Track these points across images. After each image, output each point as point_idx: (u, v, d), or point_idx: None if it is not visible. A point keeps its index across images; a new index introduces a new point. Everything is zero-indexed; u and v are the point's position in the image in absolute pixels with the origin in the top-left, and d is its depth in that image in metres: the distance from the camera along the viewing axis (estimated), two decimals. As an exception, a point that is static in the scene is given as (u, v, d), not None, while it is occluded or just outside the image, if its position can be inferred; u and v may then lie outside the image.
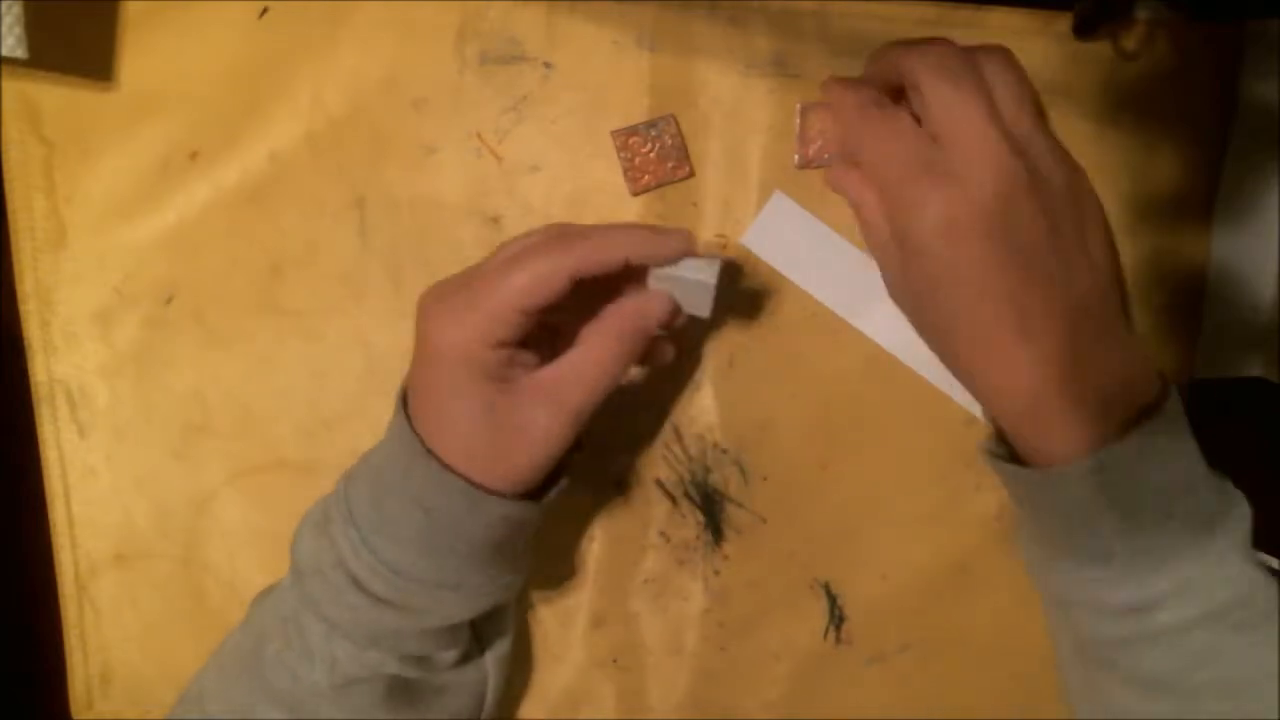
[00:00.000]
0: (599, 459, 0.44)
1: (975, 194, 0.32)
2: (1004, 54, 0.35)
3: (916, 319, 0.36)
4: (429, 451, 0.35)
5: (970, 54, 0.34)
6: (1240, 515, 0.36)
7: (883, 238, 0.35)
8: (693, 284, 0.37)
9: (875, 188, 0.35)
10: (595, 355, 0.36)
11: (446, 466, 0.35)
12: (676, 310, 0.37)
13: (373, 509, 0.36)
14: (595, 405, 0.37)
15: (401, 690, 0.39)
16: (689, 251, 0.36)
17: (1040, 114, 0.35)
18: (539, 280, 0.34)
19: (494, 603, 0.39)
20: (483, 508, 0.36)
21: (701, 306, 0.37)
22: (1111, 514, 0.34)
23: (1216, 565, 0.34)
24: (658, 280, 0.37)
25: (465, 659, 0.40)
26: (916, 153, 0.34)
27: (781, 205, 0.44)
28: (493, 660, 0.42)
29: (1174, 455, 0.35)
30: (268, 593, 0.41)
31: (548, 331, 0.38)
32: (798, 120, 0.43)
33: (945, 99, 0.33)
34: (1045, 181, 0.33)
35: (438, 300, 0.36)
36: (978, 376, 0.35)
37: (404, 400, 0.37)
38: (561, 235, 0.36)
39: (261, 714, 0.38)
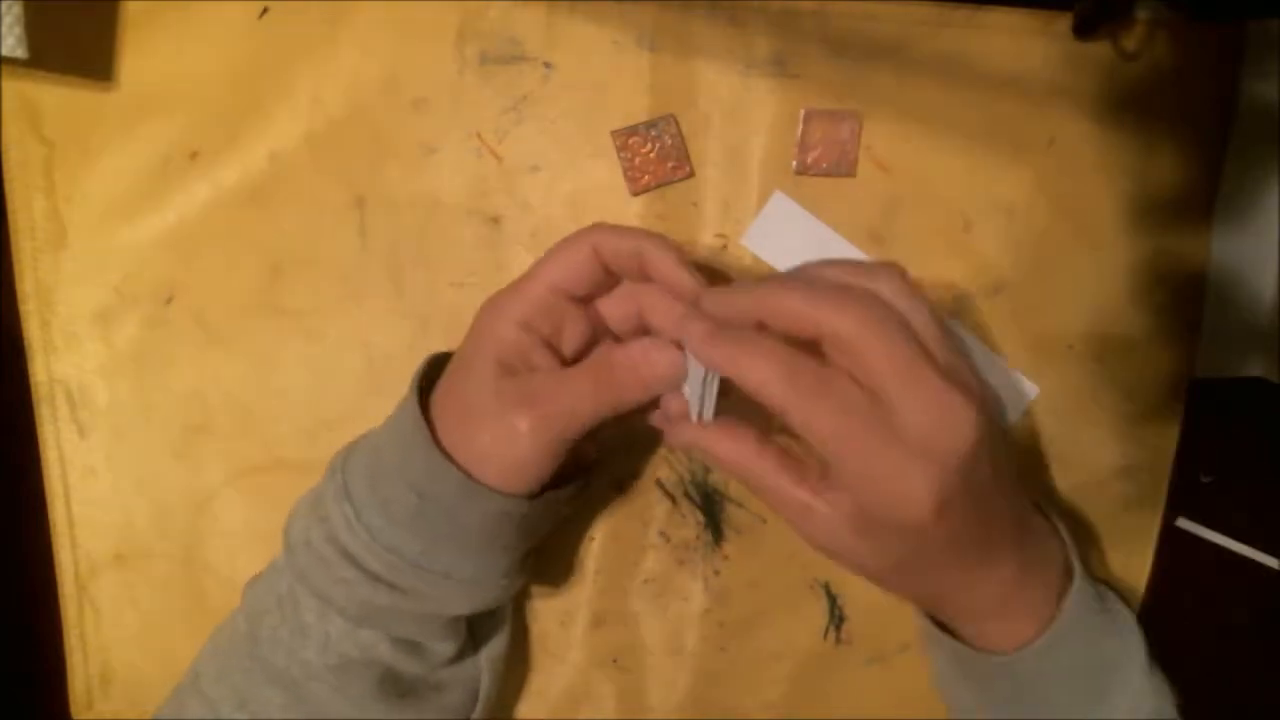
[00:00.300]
0: (599, 459, 0.44)
1: (952, 463, 0.32)
2: (902, 276, 0.34)
3: (869, 567, 0.35)
4: (431, 437, 0.36)
5: (875, 294, 0.33)
6: (1134, 651, 0.40)
7: (828, 519, 0.34)
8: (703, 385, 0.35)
9: (808, 466, 0.34)
10: (589, 382, 0.36)
11: (446, 455, 0.36)
12: (674, 380, 0.36)
13: (368, 487, 0.37)
14: (579, 431, 0.36)
15: (395, 682, 0.39)
16: (694, 292, 0.36)
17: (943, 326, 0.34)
18: (566, 259, 0.36)
19: (488, 602, 0.39)
20: (476, 500, 0.36)
21: (706, 410, 0.36)
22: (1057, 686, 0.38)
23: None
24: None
25: (460, 656, 0.40)
26: (873, 423, 0.32)
27: (782, 205, 0.44)
28: (487, 659, 0.42)
29: (1094, 611, 0.39)
30: (260, 575, 0.41)
31: (570, 348, 0.38)
32: (800, 127, 0.43)
33: (889, 359, 0.32)
34: (988, 413, 0.33)
35: (490, 298, 0.38)
36: (944, 602, 0.39)
37: (419, 383, 0.38)
38: (605, 229, 0.37)
39: (259, 693, 0.38)
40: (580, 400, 0.36)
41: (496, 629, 0.42)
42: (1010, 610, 0.38)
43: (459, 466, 0.36)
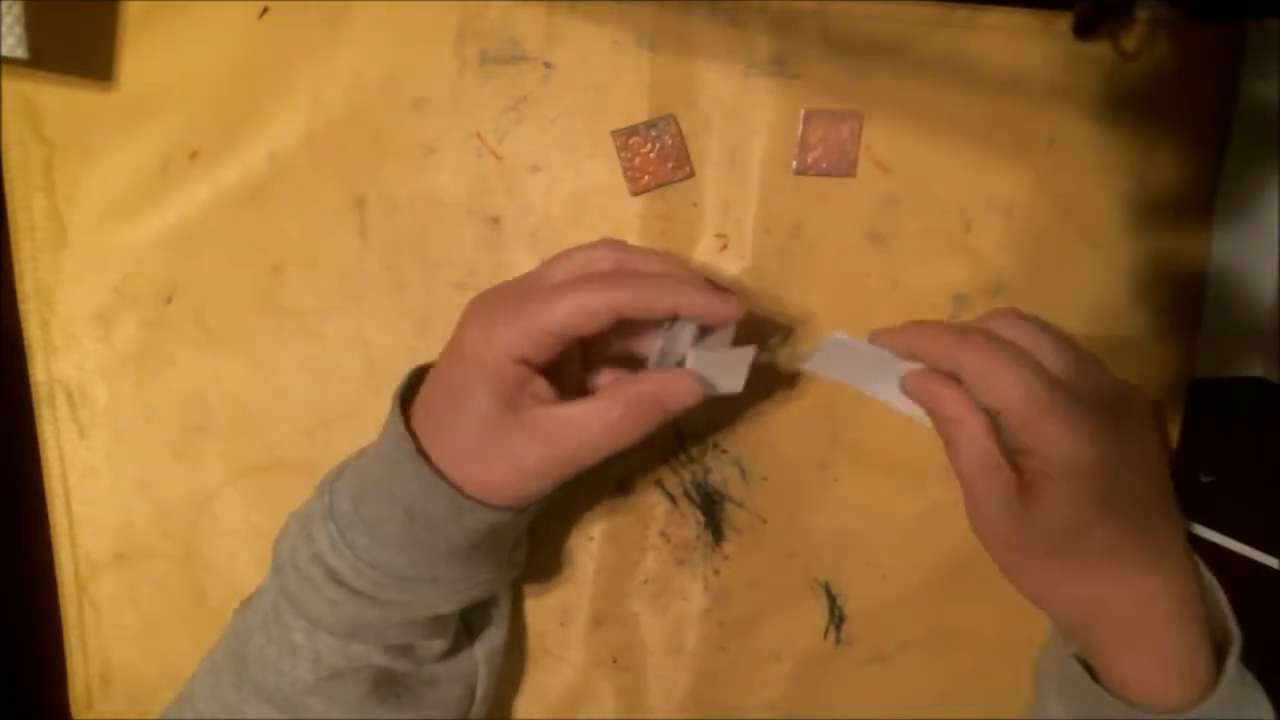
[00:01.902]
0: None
1: (1132, 423, 0.35)
2: (1019, 314, 0.38)
3: (1031, 544, 0.36)
4: (419, 451, 0.35)
5: (996, 332, 0.36)
6: None
7: (993, 461, 0.35)
8: (732, 357, 0.37)
9: (983, 413, 0.36)
10: (606, 418, 0.35)
11: (435, 469, 0.35)
12: (700, 397, 0.36)
13: (352, 506, 0.36)
14: (593, 462, 0.36)
15: (389, 682, 0.39)
16: (738, 318, 0.36)
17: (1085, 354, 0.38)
18: (583, 311, 0.34)
19: (476, 597, 0.39)
20: (464, 515, 0.36)
21: (735, 382, 0.37)
22: None
23: None
24: (697, 354, 0.36)
25: (454, 650, 0.40)
26: (1055, 379, 0.34)
27: (841, 343, 0.39)
28: (483, 652, 0.42)
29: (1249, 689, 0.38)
30: (251, 595, 0.41)
31: (571, 366, 0.38)
32: (800, 127, 0.43)
33: (1059, 344, 0.36)
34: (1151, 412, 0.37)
35: (483, 304, 0.37)
36: (1098, 613, 0.37)
37: (401, 399, 0.37)
38: (617, 271, 0.36)
39: (251, 713, 0.38)
40: (597, 437, 0.35)
41: (491, 621, 0.42)
42: (1172, 650, 0.36)
43: (449, 482, 0.35)
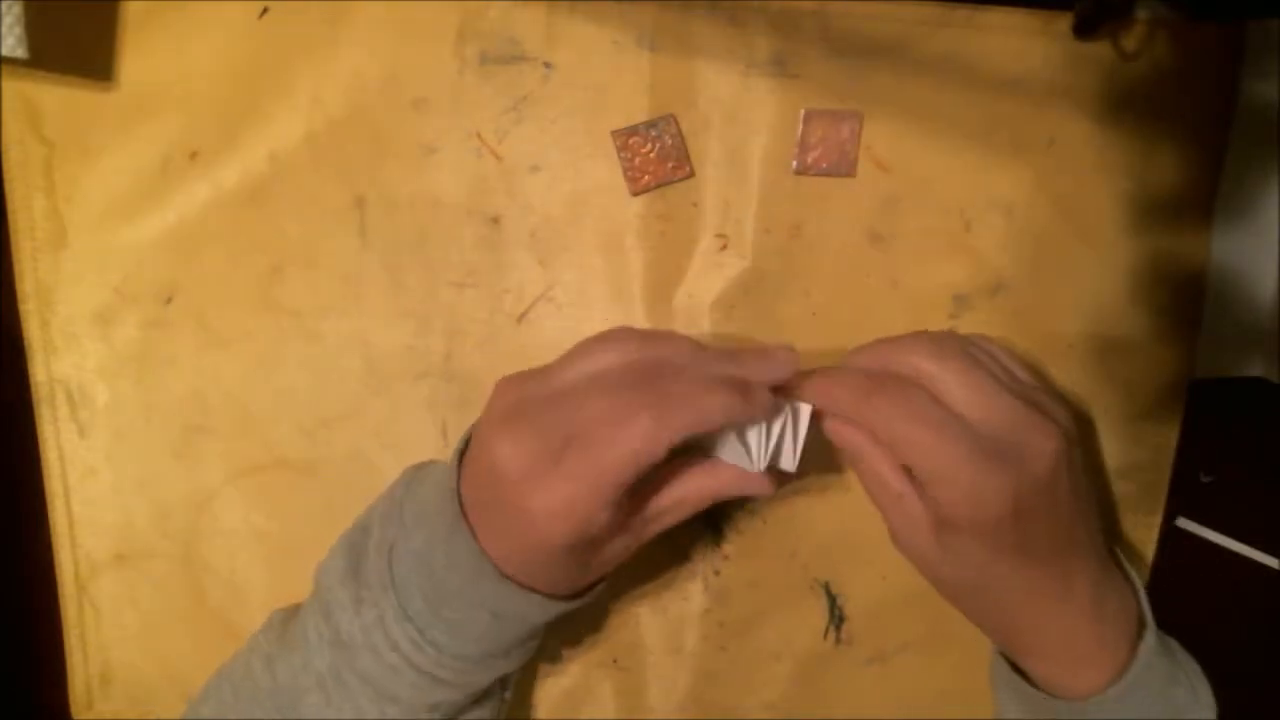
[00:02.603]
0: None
1: (1030, 472, 0.35)
2: (981, 337, 0.40)
3: (946, 575, 0.38)
4: (499, 573, 0.35)
5: (948, 334, 0.39)
6: (1204, 701, 0.40)
7: (893, 491, 0.37)
8: (784, 446, 0.38)
9: (901, 465, 0.37)
10: (673, 513, 0.37)
11: (519, 583, 0.36)
12: (772, 490, 0.38)
13: (431, 609, 0.36)
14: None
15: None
16: (774, 406, 0.36)
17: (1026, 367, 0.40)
18: (640, 456, 0.33)
19: (539, 643, 0.41)
20: (551, 609, 0.37)
21: (787, 461, 0.38)
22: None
23: None
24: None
25: (489, 690, 0.42)
26: (958, 433, 0.34)
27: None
28: (509, 684, 0.43)
29: (1164, 662, 0.39)
30: (285, 626, 0.40)
31: None
32: (800, 127, 0.43)
33: (965, 385, 0.35)
34: (1070, 439, 0.36)
35: (531, 458, 0.34)
36: (1019, 634, 0.39)
37: (458, 497, 0.36)
38: (656, 394, 0.34)
39: None
40: (677, 521, 0.38)
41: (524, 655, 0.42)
42: (1084, 652, 0.38)
43: (522, 585, 0.36)
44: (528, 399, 0.35)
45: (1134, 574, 0.41)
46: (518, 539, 0.35)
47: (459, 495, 0.36)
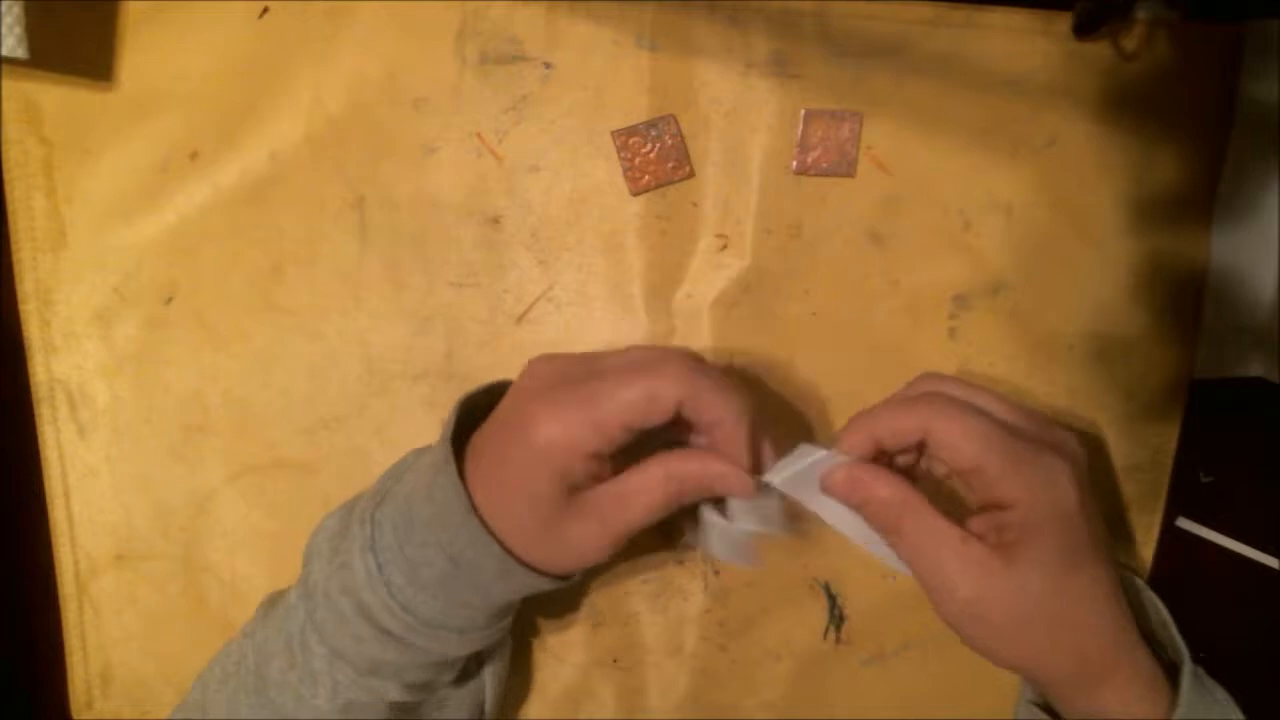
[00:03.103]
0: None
1: (1061, 514, 0.35)
2: (955, 378, 0.39)
3: (1013, 610, 0.36)
4: (472, 508, 0.35)
5: (942, 393, 0.37)
6: None
7: (955, 535, 0.36)
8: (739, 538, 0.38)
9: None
10: (649, 494, 0.36)
11: (488, 529, 0.35)
12: (751, 493, 0.37)
13: (396, 542, 0.36)
14: (637, 531, 0.37)
15: (401, 710, 0.39)
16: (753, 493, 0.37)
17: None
18: (651, 399, 0.34)
19: (492, 640, 0.39)
20: (513, 575, 0.36)
21: (743, 556, 0.38)
22: None
23: None
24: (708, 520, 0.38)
25: (464, 676, 0.41)
26: (1011, 438, 0.35)
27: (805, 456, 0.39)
28: (490, 674, 0.42)
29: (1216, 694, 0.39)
30: (274, 602, 0.41)
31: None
32: (800, 127, 0.43)
33: (973, 441, 0.35)
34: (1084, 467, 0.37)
35: (550, 389, 0.36)
36: (1055, 659, 0.37)
37: (452, 442, 0.36)
38: (688, 365, 0.35)
39: None
40: (649, 512, 0.36)
41: (499, 645, 0.42)
42: (1120, 674, 0.37)
43: (499, 541, 0.35)
44: (567, 364, 0.37)
45: (1160, 602, 0.40)
46: (503, 471, 0.35)
47: (450, 440, 0.37)
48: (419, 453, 0.40)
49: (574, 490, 0.36)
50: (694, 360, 0.37)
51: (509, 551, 0.36)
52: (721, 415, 0.35)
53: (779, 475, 0.37)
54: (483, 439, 0.37)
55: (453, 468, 0.36)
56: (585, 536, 0.36)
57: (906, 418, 0.36)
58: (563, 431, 0.34)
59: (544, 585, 0.38)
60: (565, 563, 0.37)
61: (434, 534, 0.36)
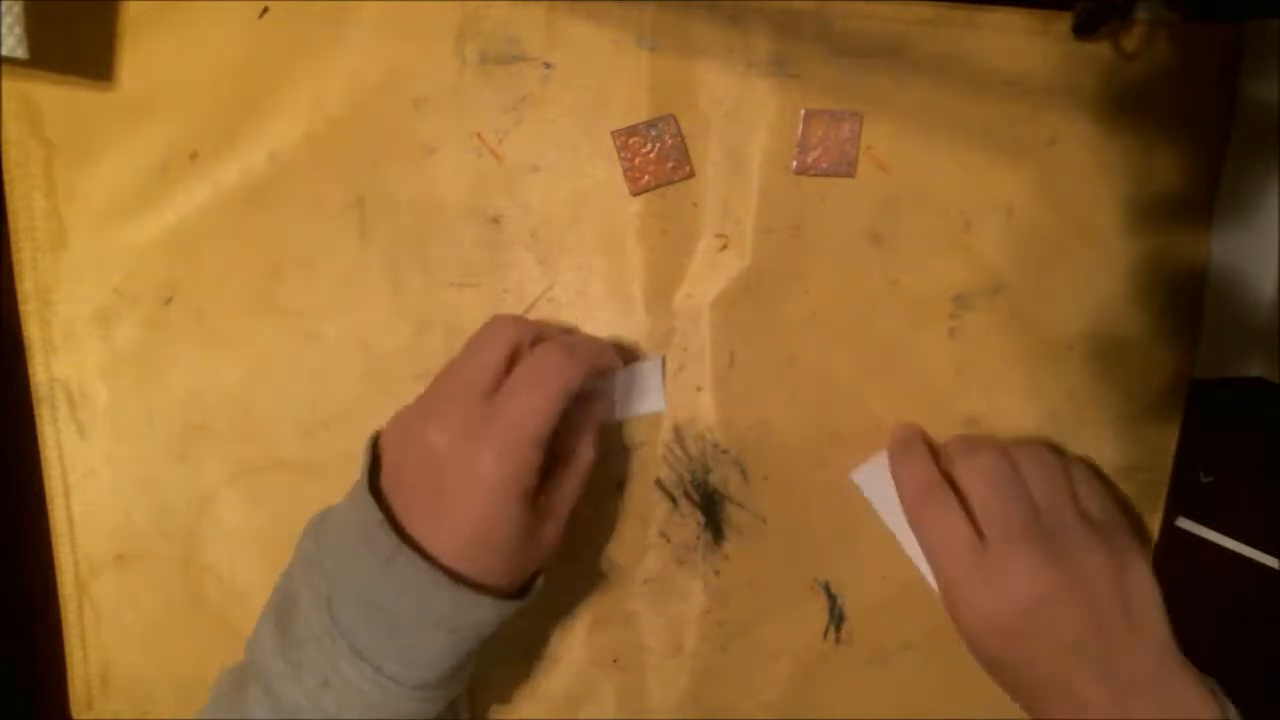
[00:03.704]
0: (599, 459, 0.44)
1: (1013, 600, 0.37)
2: (1040, 449, 0.42)
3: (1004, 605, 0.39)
4: (456, 580, 0.35)
5: (1007, 452, 0.41)
6: None
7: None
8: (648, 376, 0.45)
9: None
10: (578, 464, 0.40)
11: (476, 586, 0.36)
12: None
13: (381, 644, 0.36)
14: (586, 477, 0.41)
15: None
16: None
17: (1082, 494, 0.41)
18: (566, 388, 0.37)
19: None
20: (504, 610, 0.37)
21: (656, 400, 0.45)
22: None
23: None
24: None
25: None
26: (966, 551, 0.39)
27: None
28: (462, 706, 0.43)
29: None
30: (232, 698, 0.39)
31: None
32: (800, 127, 0.43)
33: (987, 504, 0.39)
34: (1085, 578, 0.37)
35: (460, 422, 0.36)
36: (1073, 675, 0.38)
37: (387, 525, 0.36)
38: (561, 345, 0.39)
39: None
40: (582, 475, 0.41)
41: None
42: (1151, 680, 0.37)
43: (488, 591, 0.36)
44: (432, 396, 0.39)
45: (1226, 700, 0.38)
46: (466, 514, 0.36)
47: (386, 521, 0.36)
48: (317, 530, 0.39)
49: (531, 503, 0.37)
50: (531, 329, 0.40)
51: (500, 593, 0.37)
52: (608, 355, 0.42)
53: (864, 477, 0.45)
54: (413, 504, 0.37)
55: (411, 555, 0.35)
56: (548, 535, 0.39)
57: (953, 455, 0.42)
58: (504, 460, 0.36)
59: (529, 600, 0.39)
60: (532, 570, 0.39)
61: (422, 618, 0.35)
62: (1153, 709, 0.36)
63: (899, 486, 0.42)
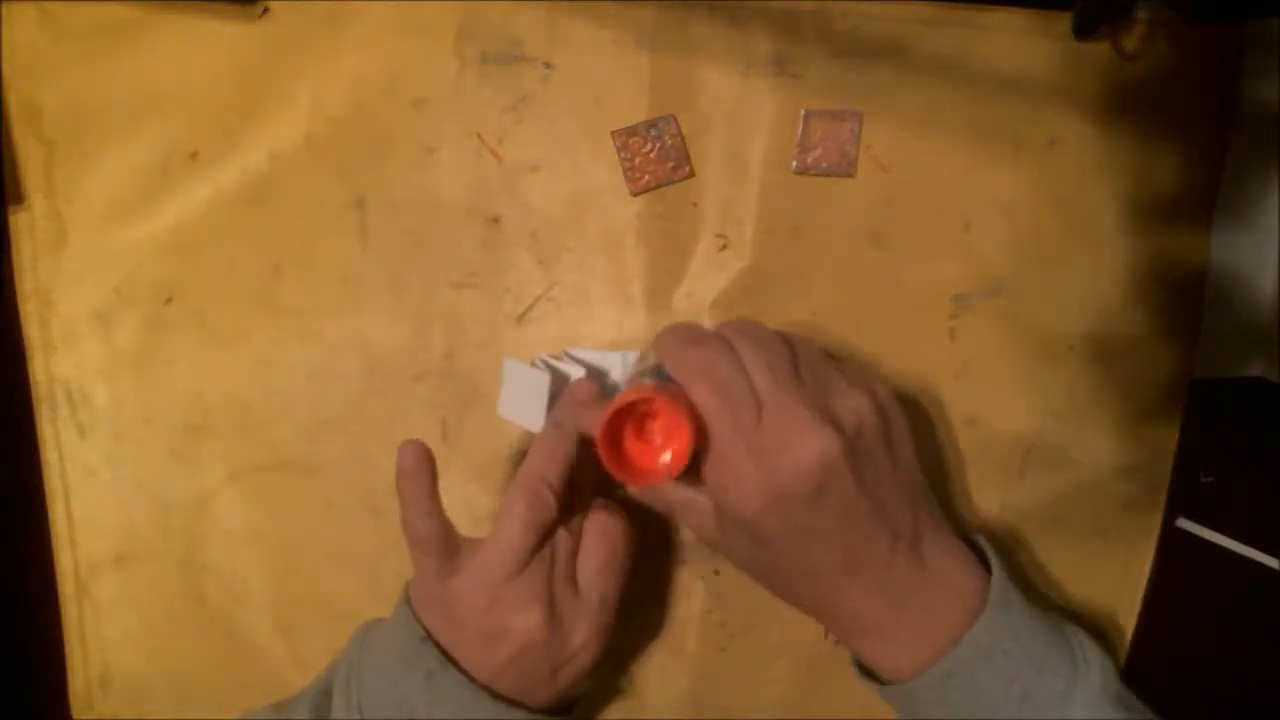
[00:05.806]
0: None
1: (784, 471, 0.35)
2: (746, 323, 0.39)
3: (735, 555, 0.39)
4: (494, 696, 0.37)
5: (720, 336, 0.38)
6: (1094, 670, 0.37)
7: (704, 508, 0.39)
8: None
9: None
10: (608, 540, 0.41)
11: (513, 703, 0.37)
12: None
13: None
14: (622, 589, 0.40)
15: None
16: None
17: (822, 358, 0.38)
18: (536, 519, 0.38)
19: None
20: None
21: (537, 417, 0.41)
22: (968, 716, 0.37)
23: None
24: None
25: None
26: (737, 420, 0.35)
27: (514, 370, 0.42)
28: None
29: (1011, 645, 0.36)
30: None
31: None
32: (800, 127, 0.43)
33: (740, 375, 0.36)
34: (856, 436, 0.36)
35: (486, 588, 0.37)
36: (821, 610, 0.39)
37: (430, 641, 0.37)
38: (528, 486, 0.38)
39: None
40: (618, 549, 0.41)
41: None
42: (895, 632, 0.37)
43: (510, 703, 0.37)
44: (447, 576, 0.39)
45: (995, 559, 0.38)
46: (492, 635, 0.37)
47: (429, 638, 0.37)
48: (365, 640, 0.40)
49: (553, 612, 0.38)
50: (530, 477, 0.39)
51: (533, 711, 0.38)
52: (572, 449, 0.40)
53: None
54: (447, 631, 0.38)
55: (455, 673, 0.37)
56: (583, 644, 0.39)
57: (676, 353, 0.38)
58: (536, 608, 0.37)
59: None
60: (569, 681, 0.39)
61: None
62: (918, 548, 0.37)
63: (683, 366, 0.37)
